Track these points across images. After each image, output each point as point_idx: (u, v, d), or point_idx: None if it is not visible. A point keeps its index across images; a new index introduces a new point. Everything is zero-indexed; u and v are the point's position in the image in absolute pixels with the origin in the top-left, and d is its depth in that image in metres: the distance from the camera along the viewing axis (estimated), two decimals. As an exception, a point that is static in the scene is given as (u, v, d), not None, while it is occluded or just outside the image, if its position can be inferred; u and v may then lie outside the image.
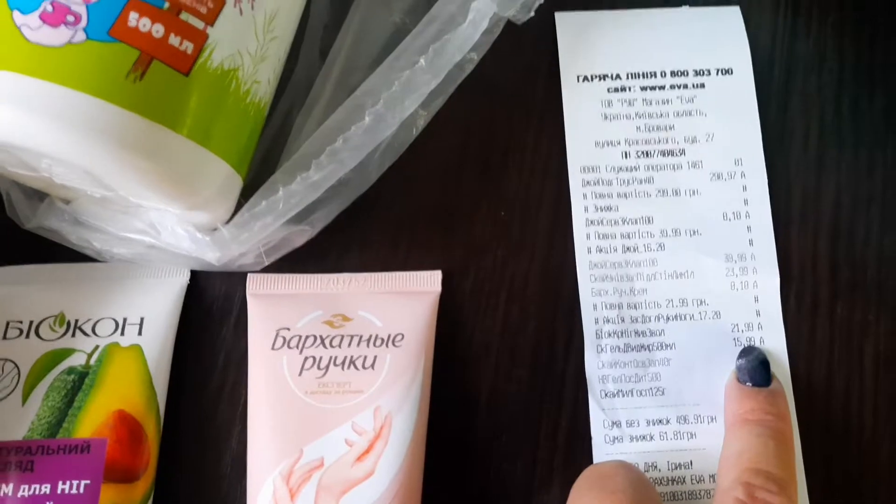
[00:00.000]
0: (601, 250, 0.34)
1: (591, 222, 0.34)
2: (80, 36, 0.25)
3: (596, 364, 0.33)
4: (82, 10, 0.25)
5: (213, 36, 0.27)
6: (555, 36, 0.37)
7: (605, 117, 0.35)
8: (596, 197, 0.34)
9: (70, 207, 0.31)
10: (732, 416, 0.30)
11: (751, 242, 0.34)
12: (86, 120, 0.25)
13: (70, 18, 0.25)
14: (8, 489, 0.29)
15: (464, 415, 0.33)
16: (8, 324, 0.32)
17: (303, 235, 0.31)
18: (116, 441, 0.30)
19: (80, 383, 0.31)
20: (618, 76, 0.36)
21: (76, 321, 0.32)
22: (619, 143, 0.35)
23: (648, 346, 0.33)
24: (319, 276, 0.33)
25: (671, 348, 0.33)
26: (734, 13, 0.37)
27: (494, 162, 0.36)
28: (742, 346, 0.33)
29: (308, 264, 0.34)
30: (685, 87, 0.35)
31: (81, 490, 0.29)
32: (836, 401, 0.33)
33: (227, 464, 0.32)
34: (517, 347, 0.34)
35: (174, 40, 0.26)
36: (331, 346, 0.31)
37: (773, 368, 0.32)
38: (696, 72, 0.36)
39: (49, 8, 0.25)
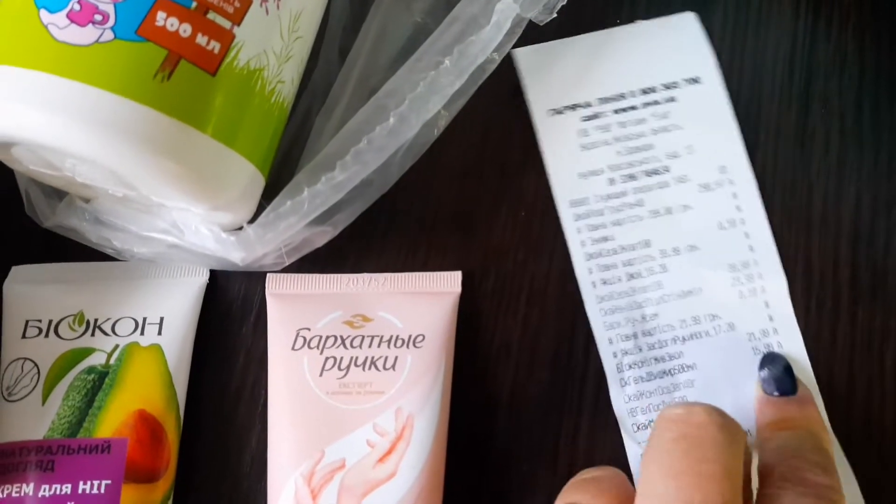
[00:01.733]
0: (605, 282, 0.33)
1: (591, 256, 0.34)
2: (108, 35, 0.25)
3: (622, 399, 0.32)
4: (110, 9, 0.25)
5: (240, 35, 0.27)
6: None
7: (584, 147, 0.35)
8: (590, 229, 0.34)
9: (90, 206, 0.31)
10: (763, 429, 0.30)
11: (751, 248, 0.33)
12: (113, 120, 0.25)
13: (98, 17, 0.25)
14: (28, 489, 0.29)
15: (484, 416, 0.33)
16: (27, 322, 0.31)
17: (324, 236, 0.31)
18: (137, 441, 0.30)
19: (100, 383, 0.30)
20: (588, 104, 0.35)
21: (96, 320, 0.32)
22: (602, 171, 0.34)
23: (670, 371, 0.32)
24: (339, 276, 0.33)
25: (693, 369, 0.32)
26: (689, 19, 0.36)
27: (514, 162, 0.36)
28: (762, 354, 0.32)
29: (327, 265, 0.34)
30: (657, 102, 0.35)
31: (102, 490, 0.29)
32: (857, 407, 0.33)
33: (247, 464, 0.32)
34: (538, 348, 0.33)
35: (201, 40, 0.26)
36: (351, 346, 0.31)
37: (796, 372, 0.32)
38: (664, 85, 0.35)
39: (77, 7, 0.25)
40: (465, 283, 0.33)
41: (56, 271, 0.33)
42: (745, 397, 0.32)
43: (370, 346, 0.32)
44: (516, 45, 0.34)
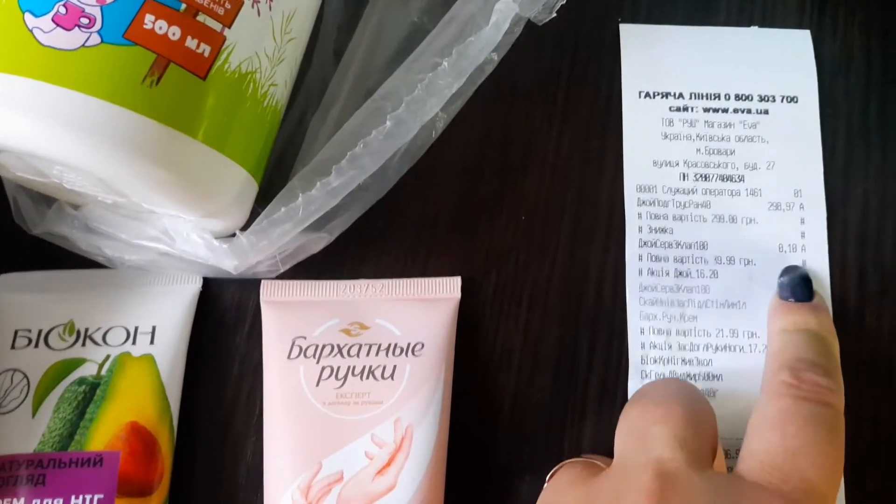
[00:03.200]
0: (652, 273, 0.33)
1: (645, 243, 0.33)
2: (95, 39, 0.24)
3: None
4: (97, 13, 0.24)
5: (231, 38, 0.26)
6: (574, 40, 0.36)
7: (665, 136, 0.34)
8: (651, 217, 0.33)
9: (80, 213, 0.30)
10: (773, 329, 0.30)
11: None
12: (101, 126, 0.24)
13: (84, 21, 0.24)
14: (20, 503, 0.28)
15: (485, 424, 0.32)
16: (16, 332, 0.31)
17: (320, 242, 0.31)
18: (130, 454, 0.29)
19: (91, 394, 0.30)
20: (681, 95, 0.35)
21: (86, 330, 0.31)
22: (677, 164, 0.34)
23: (694, 376, 0.32)
24: (335, 282, 0.32)
25: (718, 379, 0.32)
26: (804, 37, 0.36)
27: (514, 164, 0.35)
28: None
29: (323, 271, 0.33)
30: (749, 111, 0.34)
31: (95, 504, 0.28)
32: (865, 409, 0.32)
33: (242, 476, 0.31)
34: (539, 355, 0.33)
35: (191, 43, 0.25)
36: (348, 355, 0.31)
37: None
38: (760, 97, 0.35)
39: (62, 10, 0.24)
40: (465, 287, 0.33)
41: (45, 279, 0.32)
42: None
43: (368, 354, 0.31)
44: (623, 20, 0.35)
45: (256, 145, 0.28)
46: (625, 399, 0.32)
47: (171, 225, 0.28)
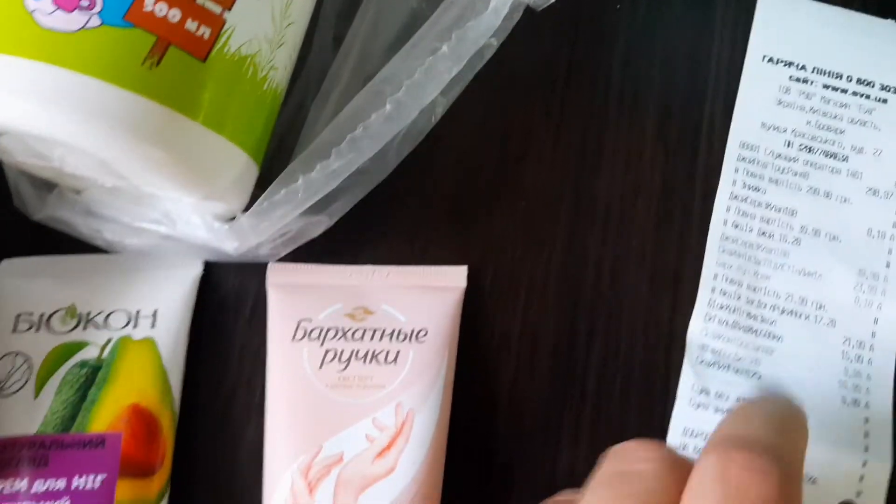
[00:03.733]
0: (737, 226, 0.34)
1: (735, 197, 0.34)
2: (95, 21, 0.24)
3: (701, 330, 0.33)
4: (97, -6, 0.24)
5: (231, 21, 0.26)
6: (574, 26, 0.36)
7: (779, 102, 0.35)
8: (747, 175, 0.34)
9: (80, 198, 0.30)
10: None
11: (888, 265, 0.33)
12: (101, 107, 0.24)
13: (84, 3, 0.24)
14: (22, 484, 0.28)
15: (484, 411, 0.32)
16: (18, 316, 0.31)
17: (319, 226, 0.31)
18: (132, 435, 0.29)
19: (93, 377, 0.30)
20: (803, 67, 0.35)
21: (88, 314, 0.31)
22: (785, 131, 0.35)
23: (756, 331, 0.33)
24: (342, 267, 0.33)
25: (778, 340, 0.33)
26: None
27: (513, 153, 0.35)
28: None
29: (323, 255, 0.33)
30: (867, 97, 0.35)
31: (97, 485, 0.28)
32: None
33: (243, 457, 0.31)
34: (538, 342, 0.33)
35: (191, 25, 0.25)
36: (353, 339, 0.31)
37: (874, 394, 0.31)
38: (882, 86, 0.35)
39: (63, -9, 0.24)
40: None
41: (47, 264, 0.32)
42: (813, 389, 0.32)
43: (372, 339, 0.31)
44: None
45: (256, 128, 0.28)
46: (624, 385, 0.33)
47: (171, 208, 0.28)
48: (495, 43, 0.31)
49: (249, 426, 0.32)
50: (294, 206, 0.27)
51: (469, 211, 0.34)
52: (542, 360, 0.33)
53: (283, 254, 0.31)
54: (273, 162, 0.32)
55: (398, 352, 0.31)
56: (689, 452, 0.31)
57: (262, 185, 0.29)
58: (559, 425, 0.32)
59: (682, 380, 0.32)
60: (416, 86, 0.28)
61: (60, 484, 0.28)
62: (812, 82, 0.35)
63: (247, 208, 0.29)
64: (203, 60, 0.26)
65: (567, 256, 0.34)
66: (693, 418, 0.32)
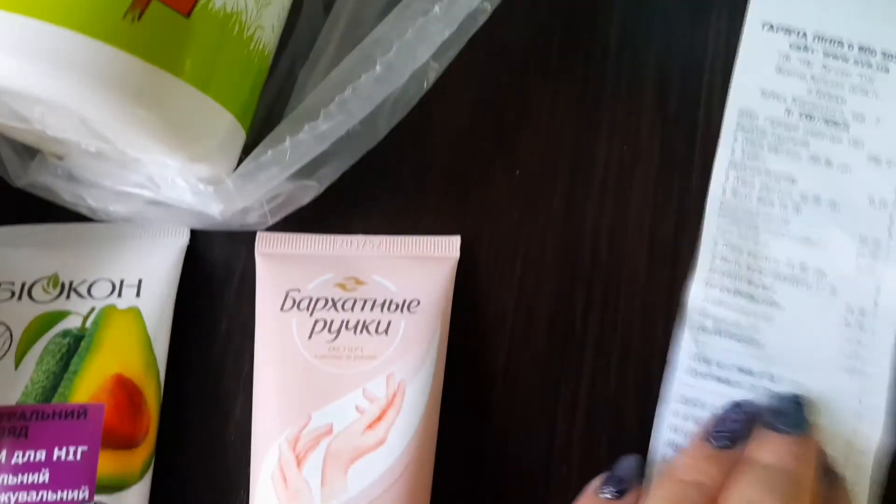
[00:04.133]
0: (736, 194, 0.33)
1: (734, 165, 0.33)
2: (74, -30, 0.23)
3: (701, 297, 0.32)
4: (76, -57, 0.23)
5: (216, -25, 0.25)
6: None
7: (779, 70, 0.34)
8: (746, 142, 0.34)
9: (63, 163, 0.29)
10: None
11: (889, 234, 0.33)
12: (81, 62, 0.23)
13: (63, -48, 0.23)
14: (1, 456, 0.27)
15: (479, 383, 0.32)
16: (-1, 285, 0.30)
17: (309, 192, 0.30)
18: (114, 406, 0.28)
19: (75, 347, 0.29)
20: (803, 34, 0.35)
21: (71, 283, 0.30)
22: (785, 99, 0.34)
23: (756, 298, 0.32)
24: (332, 236, 0.32)
25: (778, 307, 0.32)
26: None
27: (509, 120, 0.34)
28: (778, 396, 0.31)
29: (314, 226, 0.32)
30: (869, 65, 0.34)
31: (78, 457, 0.28)
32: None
33: (231, 430, 0.31)
34: (534, 314, 0.32)
35: (174, -22, 0.24)
36: (343, 309, 0.30)
37: (873, 363, 0.31)
38: (884, 53, 0.34)
39: (40, -60, 0.23)
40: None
41: (29, 233, 0.31)
42: (814, 357, 0.31)
43: (363, 309, 0.30)
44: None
45: (243, 89, 0.27)
46: (621, 357, 0.32)
47: (155, 171, 0.27)
48: (489, 7, 0.30)
49: (237, 398, 0.31)
50: (281, 169, 0.27)
51: (463, 180, 0.33)
52: (537, 332, 0.32)
53: (271, 222, 0.31)
54: (261, 131, 0.31)
55: (389, 322, 0.30)
56: (688, 423, 0.31)
57: (249, 153, 0.29)
58: (555, 398, 0.31)
59: (681, 348, 0.32)
60: (407, 46, 0.28)
61: (40, 455, 0.28)
62: (812, 50, 0.35)
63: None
64: (186, 16, 0.25)
65: (564, 227, 0.33)
66: (692, 387, 0.31)
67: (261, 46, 0.28)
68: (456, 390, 0.31)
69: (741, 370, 0.31)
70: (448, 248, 0.32)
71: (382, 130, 0.30)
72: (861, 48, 0.35)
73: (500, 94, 0.34)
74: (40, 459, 0.28)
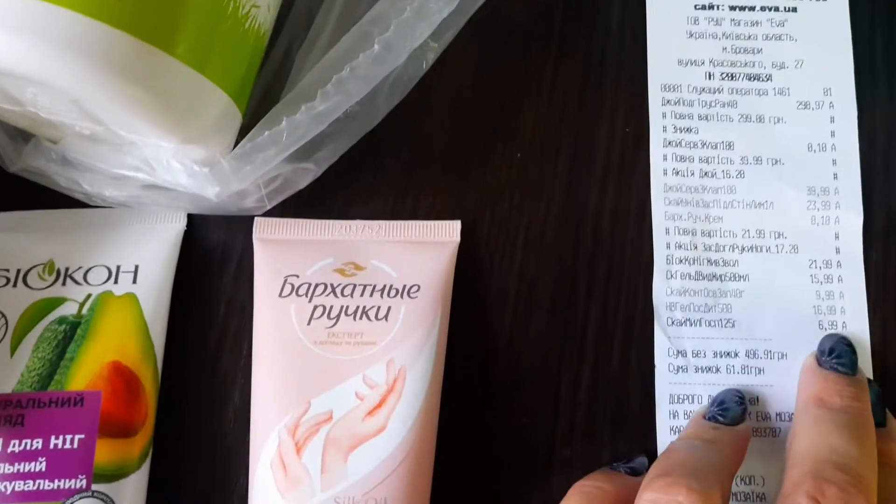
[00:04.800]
0: (678, 173, 0.32)
1: (669, 143, 0.33)
2: (64, -53, 0.23)
3: (664, 290, 0.32)
4: (65, -81, 0.23)
5: (209, -48, 0.25)
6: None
7: (690, 35, 0.34)
8: (676, 117, 0.33)
9: (58, 147, 0.29)
10: (808, 396, 0.28)
11: (835, 176, 0.32)
12: (73, 39, 0.23)
13: (52, -73, 0.23)
14: (-3, 444, 0.27)
15: (480, 368, 0.31)
16: (-6, 272, 0.30)
17: (307, 175, 0.29)
18: (112, 393, 0.28)
19: (71, 333, 0.29)
20: None
21: (66, 269, 0.30)
22: (703, 64, 0.34)
23: (720, 276, 0.32)
24: (331, 221, 0.31)
25: (744, 280, 0.32)
26: None
27: (509, 100, 0.34)
28: (826, 332, 0.31)
29: (312, 211, 0.32)
30: (776, 9, 0.34)
31: (76, 445, 0.27)
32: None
33: (229, 417, 0.30)
34: (535, 296, 0.32)
35: (167, -46, 0.24)
36: (342, 295, 0.30)
37: (851, 311, 0.31)
38: None
39: (29, -84, 0.23)
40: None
41: (24, 219, 0.31)
42: (790, 320, 0.31)
43: (362, 295, 0.30)
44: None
45: (238, 69, 0.27)
46: (623, 339, 0.31)
47: (150, 154, 0.27)
48: (489, -13, 0.30)
49: (235, 384, 0.31)
50: (278, 150, 0.26)
51: (463, 162, 0.33)
52: (539, 315, 0.32)
53: (269, 207, 0.30)
54: (258, 113, 0.30)
55: (389, 308, 0.30)
56: (680, 420, 0.30)
57: (245, 136, 0.28)
58: (557, 383, 0.31)
59: (656, 348, 0.31)
60: (406, 25, 0.27)
61: (37, 444, 0.27)
62: (718, 7, 0.34)
63: (230, 155, 0.27)
64: (180, -7, 0.24)
65: (565, 208, 0.32)
66: (676, 383, 0.31)
67: (256, 25, 0.27)
68: (457, 374, 0.30)
69: (718, 354, 0.31)
70: (449, 232, 0.31)
71: (381, 112, 0.30)
72: None
73: (501, 74, 0.34)
74: (37, 448, 0.27)
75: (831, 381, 0.28)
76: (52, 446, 0.27)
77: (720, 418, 0.29)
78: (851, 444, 0.25)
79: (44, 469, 0.27)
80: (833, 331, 0.31)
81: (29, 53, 0.23)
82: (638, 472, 0.29)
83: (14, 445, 0.27)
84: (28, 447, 0.27)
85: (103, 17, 0.23)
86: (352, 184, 0.33)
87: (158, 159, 0.27)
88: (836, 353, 0.29)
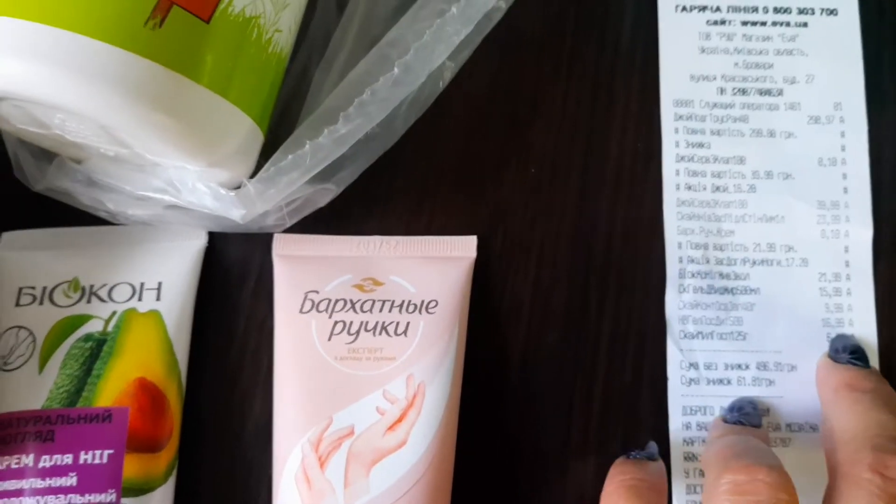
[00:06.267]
0: (690, 188, 0.33)
1: (682, 158, 0.33)
2: (95, -21, 0.23)
3: (677, 304, 0.32)
4: (96, -48, 0.23)
5: (235, -20, 0.25)
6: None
7: (702, 50, 0.34)
8: (688, 132, 0.33)
9: (82, 167, 0.30)
10: (836, 385, 0.29)
11: (845, 190, 0.33)
12: (103, 70, 0.23)
13: (83, -40, 0.23)
14: (28, 460, 0.28)
15: (496, 379, 0.32)
16: (20, 290, 0.30)
17: (327, 195, 0.30)
18: (138, 409, 0.29)
19: (98, 351, 0.29)
20: (718, 8, 0.34)
21: (91, 286, 0.30)
22: (715, 79, 0.34)
23: (732, 290, 0.32)
24: (349, 238, 0.32)
25: (755, 293, 0.32)
26: None
27: (522, 115, 0.34)
28: (836, 334, 0.32)
29: (329, 226, 0.32)
30: (787, 24, 0.34)
31: (105, 460, 0.28)
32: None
33: (251, 431, 0.31)
34: (549, 311, 0.32)
35: (194, -16, 0.24)
36: (361, 310, 0.30)
37: (860, 323, 0.31)
38: (799, 10, 0.34)
39: (60, -51, 0.23)
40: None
41: (49, 237, 0.31)
42: (800, 332, 0.32)
43: (381, 310, 0.30)
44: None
45: (261, 93, 0.27)
46: (636, 353, 0.32)
47: (175, 176, 0.27)
48: (504, 6, 0.31)
49: (257, 399, 0.31)
50: (301, 173, 0.27)
51: (478, 177, 0.34)
52: (553, 329, 0.32)
53: (289, 224, 0.31)
54: (277, 130, 0.31)
55: (408, 323, 0.30)
56: (693, 431, 0.31)
57: (265, 155, 0.29)
58: (571, 395, 0.32)
59: (668, 360, 0.32)
60: (425, 48, 0.28)
61: (67, 459, 0.28)
62: (730, 22, 0.34)
63: (252, 176, 0.28)
64: (207, 21, 0.25)
65: (578, 222, 0.33)
66: (689, 395, 0.31)
67: (278, 49, 0.28)
68: (474, 388, 0.31)
69: (730, 367, 0.32)
70: (465, 248, 0.32)
71: (399, 131, 0.30)
72: (776, 9, 0.35)
73: (514, 90, 0.34)
74: (67, 463, 0.28)
75: (853, 370, 0.29)
76: (81, 461, 0.28)
77: (744, 421, 0.29)
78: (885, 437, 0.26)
79: (75, 484, 0.28)
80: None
81: (59, 83, 0.23)
82: (653, 458, 0.29)
83: (45, 461, 0.28)
84: (59, 462, 0.28)
85: (132, 46, 0.23)
86: (368, 200, 0.33)
87: (184, 181, 0.27)
88: (851, 349, 0.30)
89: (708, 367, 0.32)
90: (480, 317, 0.32)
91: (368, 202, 0.33)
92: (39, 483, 0.27)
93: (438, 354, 0.30)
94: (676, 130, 0.34)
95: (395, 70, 0.27)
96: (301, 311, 0.30)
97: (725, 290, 0.32)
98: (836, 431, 0.27)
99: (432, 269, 0.31)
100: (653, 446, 0.30)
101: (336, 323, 0.30)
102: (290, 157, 0.26)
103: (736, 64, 0.34)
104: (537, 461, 0.31)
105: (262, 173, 0.27)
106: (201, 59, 0.25)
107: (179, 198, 0.27)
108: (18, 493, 0.27)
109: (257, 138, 0.28)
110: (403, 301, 0.30)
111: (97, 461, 0.28)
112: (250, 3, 0.26)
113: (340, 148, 0.27)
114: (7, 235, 0.31)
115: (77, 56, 0.23)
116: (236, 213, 0.27)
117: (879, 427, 0.26)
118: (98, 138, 0.27)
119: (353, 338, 0.30)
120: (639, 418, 0.32)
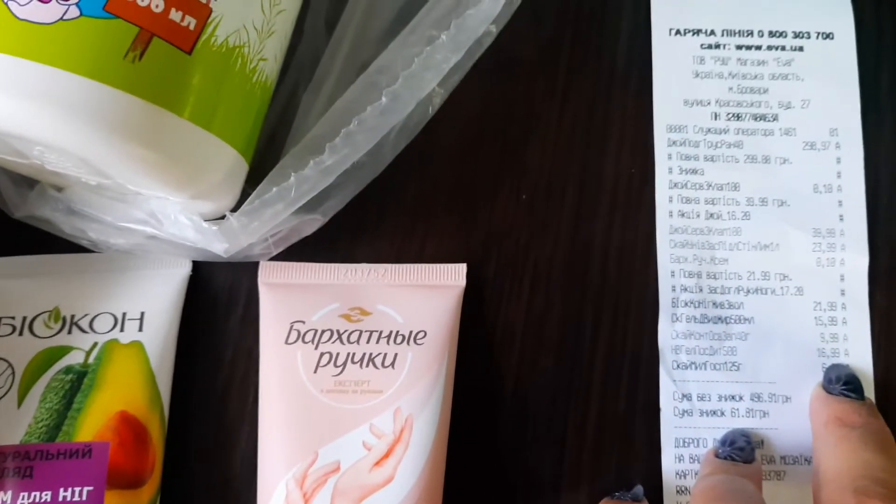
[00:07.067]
0: (683, 215, 0.32)
1: (675, 185, 0.33)
2: (74, 12, 0.23)
3: (669, 333, 0.32)
4: (74, -17, 0.23)
5: (218, 10, 0.25)
6: (575, 9, 0.35)
7: (696, 75, 0.34)
8: (681, 158, 0.33)
9: (63, 195, 0.29)
10: (826, 419, 0.29)
11: (841, 218, 0.32)
12: (82, 104, 0.22)
13: (61, -9, 0.23)
14: (6, 497, 0.27)
15: (487, 412, 0.31)
16: (-1, 320, 0.30)
17: (313, 224, 0.29)
18: (119, 444, 0.28)
19: (78, 383, 0.29)
20: (712, 32, 0.34)
21: (72, 317, 0.30)
22: (709, 104, 0.33)
23: (726, 319, 0.32)
24: (336, 265, 0.31)
25: (749, 322, 0.32)
26: None
27: (514, 138, 0.34)
28: (830, 363, 0.31)
29: (317, 254, 0.32)
30: (783, 48, 0.34)
31: (84, 497, 0.27)
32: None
33: (236, 465, 0.30)
34: (543, 336, 0.32)
35: (175, 15, 0.24)
36: (348, 341, 0.30)
37: (856, 354, 0.31)
38: (795, 34, 0.34)
39: (37, -20, 0.22)
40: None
41: (28, 265, 0.31)
42: (795, 363, 0.31)
43: (368, 341, 0.30)
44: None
45: (246, 123, 0.27)
46: (630, 380, 0.32)
47: (158, 207, 0.27)
48: (495, 30, 0.30)
49: (242, 432, 0.31)
50: (286, 205, 0.26)
51: (469, 201, 0.33)
52: (546, 355, 0.32)
53: (275, 253, 0.30)
54: (264, 155, 0.30)
55: (396, 355, 0.30)
56: (685, 464, 0.30)
57: (252, 180, 0.28)
58: (564, 424, 0.31)
59: (661, 391, 0.31)
60: (413, 77, 0.27)
61: (46, 496, 0.27)
62: (725, 46, 0.34)
63: (237, 206, 0.27)
64: (189, 53, 0.24)
65: (572, 248, 0.33)
66: (681, 427, 0.31)
67: (263, 78, 0.27)
68: (464, 419, 0.30)
69: (723, 398, 0.31)
70: (454, 276, 0.31)
71: (387, 159, 0.29)
72: (771, 33, 0.34)
73: (506, 113, 0.34)
74: (46, 500, 0.27)
75: (845, 403, 0.29)
76: (60, 498, 0.27)
77: (735, 457, 0.29)
78: (883, 458, 0.26)
79: (53, 522, 0.27)
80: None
81: (38, 118, 0.23)
82: (638, 500, 0.29)
83: (23, 498, 0.27)
84: (37, 499, 0.27)
85: (111, 80, 0.23)
86: (357, 226, 0.33)
87: (166, 213, 0.27)
88: (844, 380, 0.30)
89: (701, 398, 0.31)
90: (473, 343, 0.31)
91: (358, 228, 0.33)
92: (17, 521, 0.27)
93: (427, 387, 0.29)
94: (670, 156, 0.33)
95: (383, 99, 0.27)
96: (287, 342, 0.30)
97: (719, 320, 0.32)
98: (822, 469, 0.27)
99: (421, 299, 0.31)
100: (639, 488, 0.29)
101: (322, 354, 0.29)
102: (274, 189, 0.26)
103: (730, 88, 0.34)
104: (529, 492, 0.31)
105: (245, 206, 0.26)
106: (183, 91, 0.24)
107: (161, 230, 0.27)
108: (-4, 531, 0.27)
109: (242, 169, 0.27)
110: (391, 332, 0.30)
111: (77, 498, 0.27)
112: (234, 32, 0.25)
113: (326, 179, 0.27)
114: (-14, 263, 0.31)
115: (56, 90, 0.22)
116: (219, 246, 0.26)
117: (864, 468, 0.26)
118: (78, 169, 0.26)
119: (339, 370, 0.29)
120: (632, 449, 0.31)
